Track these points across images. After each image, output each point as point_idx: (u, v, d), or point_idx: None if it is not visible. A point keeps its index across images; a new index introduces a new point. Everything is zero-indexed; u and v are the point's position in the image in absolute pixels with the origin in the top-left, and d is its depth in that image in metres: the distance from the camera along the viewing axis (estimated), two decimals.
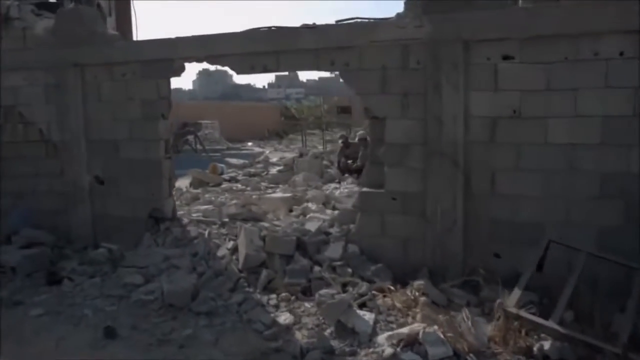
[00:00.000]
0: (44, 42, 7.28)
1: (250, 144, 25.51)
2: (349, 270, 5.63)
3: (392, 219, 5.86)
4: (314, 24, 6.07)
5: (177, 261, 6.17)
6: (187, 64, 6.82)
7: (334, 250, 5.83)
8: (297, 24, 6.16)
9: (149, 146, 6.99)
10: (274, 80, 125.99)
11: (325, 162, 14.12)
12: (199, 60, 6.68)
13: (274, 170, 13.83)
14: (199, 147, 21.70)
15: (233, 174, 14.56)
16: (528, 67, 5.24)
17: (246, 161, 16.97)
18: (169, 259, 6.27)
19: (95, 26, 7.23)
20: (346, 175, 12.78)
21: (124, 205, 7.18)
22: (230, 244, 6.34)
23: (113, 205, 7.27)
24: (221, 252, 6.29)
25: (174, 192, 7.57)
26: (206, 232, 6.72)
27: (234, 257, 6.14)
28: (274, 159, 17.49)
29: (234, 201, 10.12)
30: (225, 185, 12.61)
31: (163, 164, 7.01)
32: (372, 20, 5.85)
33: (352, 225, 6.19)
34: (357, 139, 13.01)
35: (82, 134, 7.27)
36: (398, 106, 5.72)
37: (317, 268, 5.72)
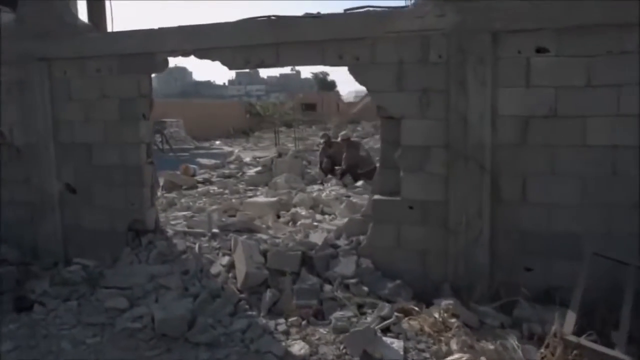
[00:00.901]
0: (4, 35, 6.43)
1: (218, 142, 24.64)
2: (364, 288, 5.01)
3: (409, 230, 5.27)
4: (319, 13, 5.43)
5: (165, 280, 5.46)
6: (171, 59, 6.09)
7: (345, 266, 5.21)
8: (299, 13, 5.42)
9: (127, 150, 6.24)
10: (234, 77, 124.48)
11: (303, 162, 13.50)
12: (185, 54, 5.97)
13: (251, 171, 13.12)
14: (166, 146, 20.77)
15: (206, 176, 13.83)
16: (565, 61, 4.71)
17: (218, 161, 16.22)
18: (155, 278, 5.55)
19: (64, 16, 6.43)
20: (329, 176, 12.17)
21: (100, 216, 6.41)
22: (225, 260, 5.66)
23: (87, 216, 6.49)
24: (215, 269, 5.60)
25: (156, 201, 6.83)
26: (196, 246, 6.01)
27: (230, 274, 5.46)
28: (247, 159, 16.79)
29: (214, 206, 9.45)
30: (201, 188, 11.85)
31: (144, 170, 6.27)
32: (386, 9, 5.24)
33: (362, 237, 5.57)
34: (340, 139, 12.40)
35: (50, 136, 6.47)
36: (416, 105, 5.13)
37: (327, 287, 5.10)
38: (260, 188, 11.74)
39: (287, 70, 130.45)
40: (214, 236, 6.26)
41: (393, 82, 5.20)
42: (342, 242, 5.66)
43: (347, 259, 5.31)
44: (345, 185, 11.11)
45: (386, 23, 5.14)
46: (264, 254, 5.47)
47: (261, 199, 9.39)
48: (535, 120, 4.82)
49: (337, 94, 55.96)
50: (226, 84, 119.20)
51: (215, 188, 11.79)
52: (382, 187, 5.54)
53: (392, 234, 5.33)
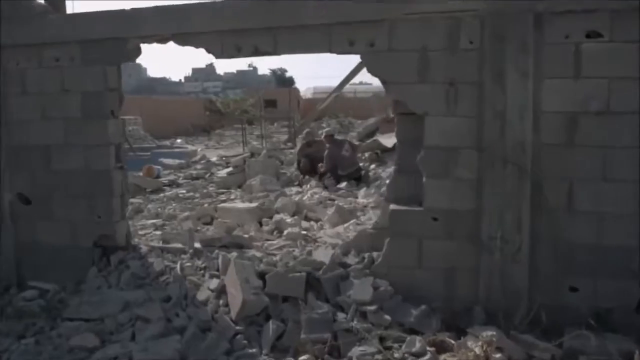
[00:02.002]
0: None
1: (179, 140, 23.50)
2: (386, 317, 4.22)
3: (432, 245, 4.52)
4: None
5: (143, 310, 4.56)
6: (144, 45, 5.18)
7: (361, 290, 4.40)
8: None
9: (93, 153, 5.31)
10: (190, 74, 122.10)
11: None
12: (163, 40, 5.08)
13: (221, 172, 12.17)
14: (125, 145, 19.51)
15: (171, 177, 12.84)
16: (621, 47, 4.02)
17: (182, 161, 15.15)
18: (130, 307, 4.66)
19: None
20: (306, 177, 11.32)
21: (60, 231, 5.46)
22: (213, 283, 4.79)
23: (45, 232, 5.52)
24: (202, 294, 4.73)
25: (128, 212, 5.89)
26: (177, 266, 5.12)
27: (221, 301, 4.60)
28: (213, 158, 15.79)
29: (185, 213, 8.53)
30: (169, 191, 10.87)
31: (113, 176, 5.34)
32: None
33: (375, 254, 4.78)
34: (323, 136, 11.57)
35: None
36: (442, 99, 4.37)
37: (340, 315, 4.30)
38: (232, 191, 10.84)
39: (244, 66, 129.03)
40: (196, 253, 5.37)
41: (415, 73, 4.43)
42: (351, 259, 4.86)
43: (361, 281, 4.51)
44: (326, 187, 10.29)
45: (407, 3, 4.36)
46: (261, 275, 4.63)
47: (240, 204, 8.49)
48: (584, 117, 4.12)
49: (297, 90, 55.12)
50: (182, 80, 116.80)
51: (184, 191, 10.82)
52: (398, 195, 4.77)
53: (412, 250, 4.56)
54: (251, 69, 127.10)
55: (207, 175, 13.00)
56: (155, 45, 5.21)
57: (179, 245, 5.79)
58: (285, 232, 7.00)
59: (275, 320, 4.28)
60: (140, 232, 7.41)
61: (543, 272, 4.30)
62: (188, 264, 5.17)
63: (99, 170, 5.30)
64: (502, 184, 4.26)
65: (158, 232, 7.54)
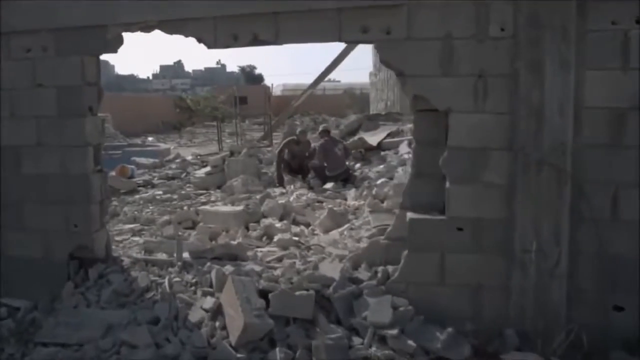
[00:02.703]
0: None
1: (150, 138, 22.66)
2: (410, 342, 3.71)
3: (457, 259, 4.02)
4: None
5: (128, 335, 3.97)
6: (127, 34, 4.58)
7: (379, 311, 3.88)
8: None
9: (69, 155, 4.68)
10: (158, 71, 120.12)
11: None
12: (148, 28, 4.48)
13: (199, 172, 11.53)
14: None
15: (146, 177, 12.16)
16: None
17: (156, 160, 14.45)
18: (113, 330, 4.07)
19: None
20: (288, 177, 10.75)
21: (32, 243, 4.83)
22: (207, 302, 4.21)
23: (14, 243, 4.88)
24: (195, 315, 4.15)
25: (107, 221, 5.26)
26: (165, 281, 4.53)
27: (217, 323, 4.03)
28: (188, 157, 15.12)
29: (165, 217, 7.92)
30: (144, 193, 10.22)
31: (91, 181, 4.72)
32: None
33: (390, 268, 4.27)
34: (319, 131, 11.00)
35: None
36: (469, 93, 3.88)
37: (356, 340, 3.78)
38: (212, 192, 10.23)
39: (212, 63, 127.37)
40: (185, 266, 4.79)
41: (437, 64, 3.92)
42: (363, 274, 4.33)
43: (378, 300, 3.99)
44: (311, 188, 9.75)
45: None
46: (263, 294, 4.07)
47: (224, 207, 7.90)
48: (633, 113, 3.66)
49: (267, 87, 54.48)
50: (150, 77, 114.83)
51: (161, 192, 10.16)
52: (415, 201, 4.26)
53: (434, 264, 4.06)
54: (219, 66, 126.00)
55: (183, 175, 12.39)
56: (135, 35, 4.61)
57: (165, 257, 5.21)
58: (275, 239, 6.47)
59: (281, 346, 3.74)
60: (117, 239, 6.82)
61: (584, 289, 3.84)
62: (177, 278, 4.58)
63: (76, 174, 4.68)
64: (538, 189, 3.78)
65: (137, 238, 6.96)
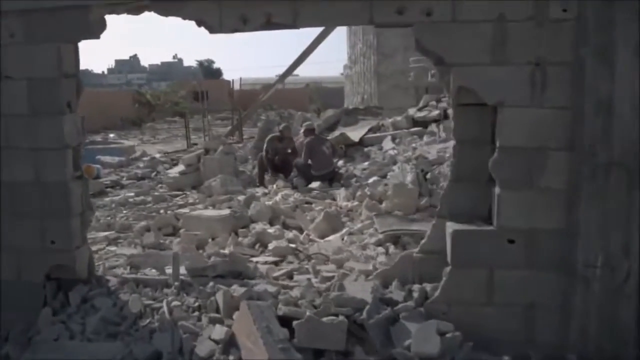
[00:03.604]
0: None
1: (112, 135, 21.58)
2: None
3: (507, 275, 3.50)
4: None
5: None
6: (111, 17, 3.89)
7: (424, 339, 3.32)
8: None
9: (44, 159, 3.96)
10: (113, 65, 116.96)
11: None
12: (137, 10, 3.81)
13: (172, 172, 10.79)
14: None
15: (113, 177, 11.34)
16: None
17: (121, 158, 13.59)
18: None
19: None
20: (269, 176, 10.10)
21: (2, 262, 4.09)
22: (217, 331, 3.58)
23: None
24: (203, 348, 3.51)
25: (88, 236, 4.56)
26: (164, 306, 3.87)
27: (231, 357, 3.41)
28: (156, 155, 14.32)
29: (142, 222, 7.21)
30: (114, 195, 9.42)
31: (71, 190, 4.02)
32: None
33: (428, 287, 3.72)
34: (302, 130, 10.37)
35: None
36: (525, 85, 3.35)
37: None
38: (188, 193, 9.52)
39: (168, 57, 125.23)
40: (184, 287, 4.13)
41: (488, 51, 3.38)
42: (396, 293, 3.76)
43: (419, 326, 3.42)
44: (294, 188, 9.14)
45: None
46: (284, 321, 3.48)
47: (208, 212, 7.22)
48: None
49: (228, 81, 53.53)
50: (105, 72, 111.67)
51: (132, 194, 9.39)
52: (454, 210, 3.72)
53: (481, 281, 3.54)
54: (176, 60, 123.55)
55: (154, 175, 11.62)
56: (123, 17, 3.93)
57: (155, 273, 4.54)
58: (270, 247, 5.88)
59: None
60: (92, 249, 6.05)
61: None
62: (176, 302, 3.93)
63: (52, 181, 3.96)
64: (605, 195, 3.28)
65: (113, 248, 6.26)
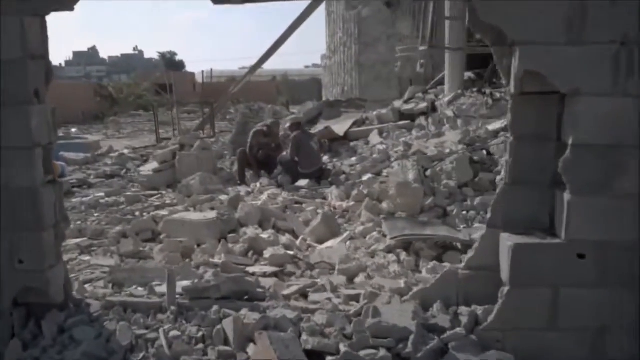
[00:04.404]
0: None
1: (74, 130, 20.45)
2: None
3: (575, 295, 2.96)
4: None
5: None
6: None
7: None
8: None
9: (7, 161, 3.24)
10: (71, 57, 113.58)
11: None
12: None
13: (146, 169, 9.98)
14: None
15: (79, 175, 10.46)
16: None
17: (87, 155, 12.64)
18: None
19: None
20: (248, 175, 9.39)
21: None
22: None
23: None
24: None
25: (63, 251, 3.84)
26: (161, 336, 3.19)
27: None
28: (124, 151, 13.45)
29: (117, 227, 6.48)
30: (82, 195, 8.59)
31: (42, 197, 3.30)
32: None
33: (479, 310, 3.14)
34: (288, 124, 9.68)
35: None
36: (606, 69, 2.78)
37: None
38: (164, 192, 8.77)
39: (129, 49, 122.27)
40: (181, 312, 3.45)
41: (562, 28, 2.80)
42: (441, 318, 3.17)
43: (476, 359, 2.85)
44: (280, 186, 8.47)
45: None
46: (312, 355, 2.85)
47: (192, 215, 6.51)
48: None
49: (192, 74, 52.43)
50: (62, 64, 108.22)
51: (103, 194, 8.57)
52: (509, 218, 3.14)
53: (544, 303, 2.98)
54: (137, 52, 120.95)
55: (124, 172, 10.78)
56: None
57: (143, 292, 3.85)
58: (266, 254, 5.25)
59: None
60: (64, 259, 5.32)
61: None
62: (175, 332, 3.26)
63: (18, 187, 3.24)
64: None
65: (87, 258, 5.54)
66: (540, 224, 3.09)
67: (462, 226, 5.68)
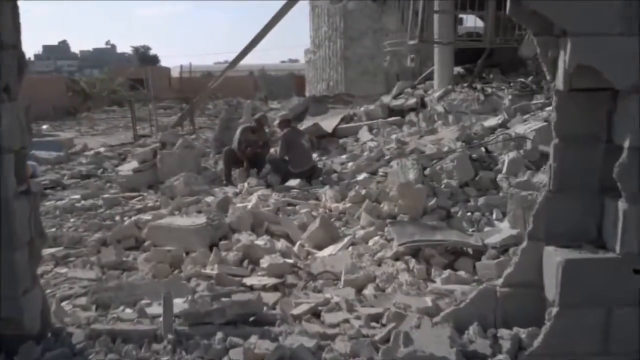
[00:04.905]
0: None
1: (45, 126, 19.64)
2: None
3: (629, 316, 2.62)
4: None
5: None
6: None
7: None
8: None
9: None
10: (41, 51, 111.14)
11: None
12: None
13: (125, 169, 9.47)
14: None
15: (52, 176, 9.87)
16: None
17: (60, 153, 12.00)
18: None
19: None
20: (234, 174, 8.93)
21: None
22: None
23: None
24: None
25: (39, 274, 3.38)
26: None
27: None
28: (100, 149, 12.86)
29: (97, 234, 6.03)
30: (58, 198, 8.04)
31: (13, 210, 2.85)
32: None
33: (523, 332, 2.77)
34: (277, 121, 9.21)
35: None
36: None
37: None
38: (145, 194, 8.29)
39: (100, 44, 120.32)
40: (180, 340, 3.03)
41: (617, 18, 2.43)
42: (479, 343, 2.79)
43: None
44: (269, 186, 8.03)
45: None
46: None
47: (179, 220, 6.03)
48: None
49: (167, 68, 51.60)
50: (32, 58, 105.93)
51: (78, 197, 8.03)
52: (553, 230, 2.78)
53: (595, 325, 2.64)
54: (109, 46, 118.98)
55: (100, 172, 10.23)
56: None
57: (134, 315, 3.42)
58: (263, 264, 4.85)
59: None
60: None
61: None
62: None
63: None
64: None
65: (64, 270, 5.08)
66: (586, 236, 2.75)
67: (470, 229, 5.34)
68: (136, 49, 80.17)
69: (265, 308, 3.55)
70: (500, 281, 2.97)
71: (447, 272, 4.34)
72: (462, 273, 4.39)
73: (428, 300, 3.48)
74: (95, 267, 5.06)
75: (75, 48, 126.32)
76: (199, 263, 5.01)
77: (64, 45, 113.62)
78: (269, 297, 4.01)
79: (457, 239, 4.82)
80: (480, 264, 4.47)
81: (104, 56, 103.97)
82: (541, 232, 2.80)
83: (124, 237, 5.87)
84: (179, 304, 3.35)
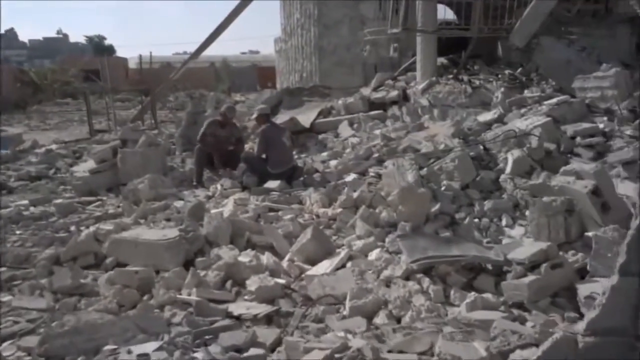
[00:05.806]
0: None
1: None
2: None
3: None
4: None
5: None
6: None
7: None
8: None
9: None
10: None
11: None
12: None
13: (80, 169, 8.55)
14: None
15: None
16: None
17: (6, 151, 10.95)
18: None
19: None
20: (206, 174, 8.10)
21: None
22: None
23: None
24: None
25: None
26: None
27: None
28: (52, 146, 11.84)
29: (49, 250, 5.20)
30: (4, 206, 7.08)
31: None
32: None
33: None
34: (255, 115, 8.34)
35: None
36: None
37: None
38: (104, 198, 7.41)
39: (51, 32, 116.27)
40: None
41: None
42: None
43: None
44: (245, 189, 7.21)
45: None
46: None
47: (147, 232, 5.22)
48: None
49: (124, 59, 49.96)
50: None
51: (26, 203, 7.09)
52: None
53: None
54: (61, 35, 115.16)
55: (52, 173, 9.25)
56: None
57: None
58: (251, 286, 4.12)
59: None
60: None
61: None
62: None
63: None
64: None
65: (7, 298, 4.26)
66: None
67: (485, 240, 4.70)
68: (90, 39, 77.56)
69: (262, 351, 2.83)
70: (581, 327, 2.29)
71: (473, 295, 3.68)
72: (488, 296, 3.73)
73: (481, 350, 2.77)
74: (46, 293, 4.24)
75: (23, 37, 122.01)
76: (173, 286, 4.25)
77: (11, 33, 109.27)
78: (265, 335, 3.29)
79: (476, 253, 4.15)
80: (507, 284, 3.81)
81: (56, 46, 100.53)
82: (637, 266, 2.13)
83: (81, 254, 5.04)
84: (152, 348, 2.60)
